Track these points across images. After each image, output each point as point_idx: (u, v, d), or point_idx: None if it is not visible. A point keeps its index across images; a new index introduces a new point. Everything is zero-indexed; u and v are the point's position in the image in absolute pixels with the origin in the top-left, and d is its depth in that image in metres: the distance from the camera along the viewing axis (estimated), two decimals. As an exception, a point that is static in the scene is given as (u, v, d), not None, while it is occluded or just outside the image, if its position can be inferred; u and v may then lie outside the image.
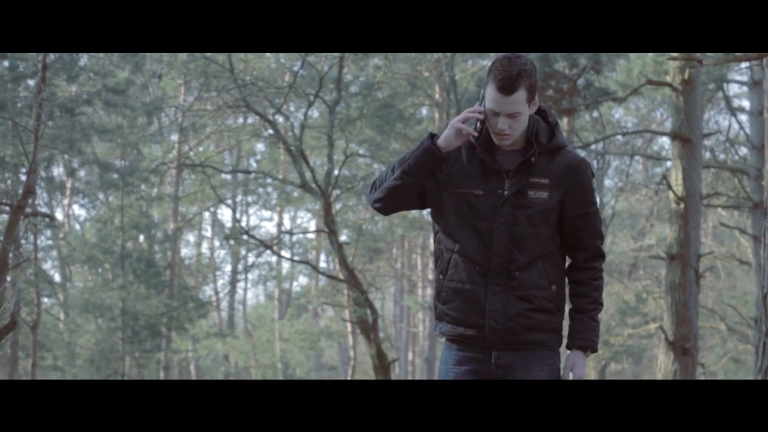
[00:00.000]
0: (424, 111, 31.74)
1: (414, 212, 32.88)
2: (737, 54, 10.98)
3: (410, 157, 4.90)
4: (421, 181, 4.92)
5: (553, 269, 4.99)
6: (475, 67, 29.14)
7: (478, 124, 4.87)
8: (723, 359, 33.17)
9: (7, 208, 11.80)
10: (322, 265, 44.09)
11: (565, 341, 5.06)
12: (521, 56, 4.82)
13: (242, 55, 22.95)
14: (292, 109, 31.65)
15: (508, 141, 4.89)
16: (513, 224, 4.88)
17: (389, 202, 4.99)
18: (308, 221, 44.23)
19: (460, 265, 4.93)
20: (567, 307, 5.08)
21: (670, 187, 16.00)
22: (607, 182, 33.51)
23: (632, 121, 35.46)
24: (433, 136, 4.89)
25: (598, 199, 5.20)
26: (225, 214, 47.40)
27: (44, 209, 32.05)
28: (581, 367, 5.02)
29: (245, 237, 29.43)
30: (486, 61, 28.84)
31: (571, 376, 5.00)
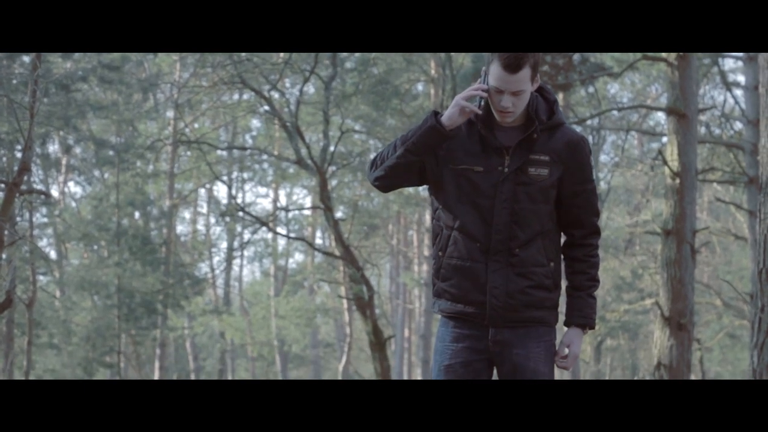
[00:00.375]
0: (419, 87, 31.70)
1: (410, 189, 32.87)
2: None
3: (413, 135, 4.90)
4: (423, 158, 4.92)
5: (551, 246, 5.02)
6: (470, 42, 29.07)
7: (482, 102, 4.88)
8: (719, 335, 33.26)
9: (2, 185, 11.78)
10: (318, 241, 44.13)
11: (561, 318, 5.08)
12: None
13: (237, 31, 22.88)
14: (287, 85, 31.59)
15: (511, 118, 4.90)
16: (513, 201, 4.90)
17: (390, 179, 4.98)
18: (304, 198, 44.25)
19: (460, 242, 4.94)
20: (563, 284, 5.10)
21: (665, 163, 16.01)
22: (603, 158, 33.54)
23: (628, 97, 35.48)
24: (436, 114, 4.89)
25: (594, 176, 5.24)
26: (221, 191, 47.52)
27: (40, 186, 32.03)
28: (578, 345, 5.06)
29: (241, 214, 29.43)
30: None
31: (566, 352, 5.03)
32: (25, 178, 12.43)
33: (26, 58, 21.97)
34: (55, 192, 37.13)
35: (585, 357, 35.64)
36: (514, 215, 4.90)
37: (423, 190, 33.01)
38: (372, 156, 5.18)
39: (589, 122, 24.20)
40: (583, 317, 5.06)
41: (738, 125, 25.45)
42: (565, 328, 5.11)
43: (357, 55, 25.69)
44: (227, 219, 35.01)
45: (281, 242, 44.21)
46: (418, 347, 37.85)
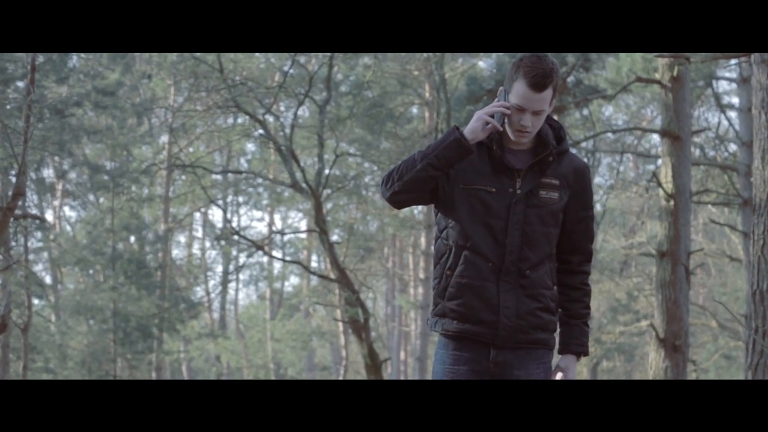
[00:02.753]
0: (414, 110, 31.73)
1: (405, 211, 32.88)
2: (725, 51, 10.99)
3: (436, 149, 4.88)
4: (444, 173, 4.91)
5: (553, 270, 5.06)
6: (465, 65, 29.15)
7: (505, 119, 4.89)
8: (714, 356, 33.23)
9: (-3, 210, 11.77)
10: (314, 264, 44.08)
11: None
12: (547, 56, 4.88)
13: (231, 55, 22.92)
14: (282, 108, 31.63)
15: (527, 139, 4.93)
16: (525, 223, 4.92)
17: (409, 194, 4.94)
18: (299, 221, 44.23)
19: (472, 261, 4.92)
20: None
21: (660, 185, 16.02)
22: (598, 180, 33.54)
23: (622, 119, 35.51)
24: (458, 128, 4.90)
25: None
26: (216, 215, 47.36)
27: (34, 211, 31.99)
28: (573, 371, 5.08)
29: (236, 237, 29.41)
30: (476, 60, 28.85)
31: (559, 376, 5.03)
32: (20, 203, 12.43)
33: (20, 84, 21.98)
34: (50, 217, 37.10)
35: (581, 379, 35.53)
36: (525, 237, 4.92)
37: (418, 213, 33.02)
38: (379, 174, 5.17)
39: (583, 144, 24.20)
40: (580, 345, 5.10)
41: (732, 147, 25.49)
42: (558, 355, 5.12)
43: (351, 78, 25.74)
44: (222, 243, 34.99)
45: (277, 265, 44.20)
46: (414, 370, 37.77)
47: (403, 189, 4.92)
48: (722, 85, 34.30)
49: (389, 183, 4.95)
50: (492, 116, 4.89)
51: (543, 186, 4.95)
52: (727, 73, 24.34)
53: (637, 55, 17.93)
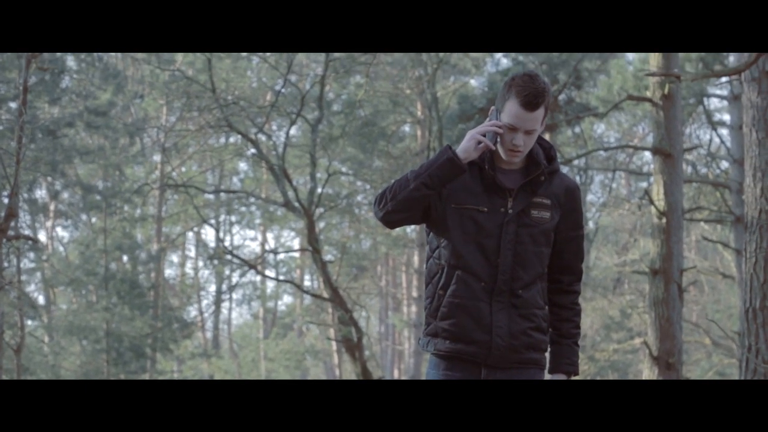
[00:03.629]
0: (406, 128, 31.78)
1: (398, 230, 32.88)
2: (715, 69, 11.03)
3: (429, 168, 4.88)
4: (437, 192, 4.92)
5: (545, 289, 5.09)
6: (456, 84, 29.22)
7: (499, 138, 4.90)
8: (708, 373, 33.19)
9: (-11, 231, 11.76)
10: (307, 283, 44.08)
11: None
12: (539, 75, 4.92)
13: (223, 74, 22.97)
14: (274, 128, 31.67)
15: (518, 158, 4.96)
16: (517, 243, 4.94)
17: (402, 214, 4.94)
18: (292, 240, 44.19)
19: (465, 281, 4.93)
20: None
21: (651, 202, 16.04)
22: (590, 197, 33.58)
23: (614, 137, 35.56)
24: (450, 147, 4.91)
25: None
26: (209, 234, 47.34)
27: (27, 232, 31.97)
28: None
29: (229, 257, 29.39)
30: (467, 78, 28.91)
31: None
32: (13, 223, 12.42)
33: (13, 104, 21.99)
34: (42, 237, 37.07)
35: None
36: (517, 257, 4.93)
37: (411, 232, 33.02)
38: (370, 194, 5.18)
39: (575, 162, 24.25)
40: (571, 365, 5.11)
41: (724, 164, 25.53)
42: (549, 375, 5.13)
43: (343, 97, 25.78)
44: (215, 262, 34.95)
45: (270, 285, 44.16)
46: (407, 389, 37.70)
47: (396, 209, 4.92)
48: (713, 103, 34.39)
49: (382, 203, 4.95)
50: (484, 135, 4.90)
51: (534, 206, 4.97)
52: (718, 91, 24.38)
53: (628, 73, 17.99)
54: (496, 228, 4.93)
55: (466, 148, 4.88)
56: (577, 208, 5.08)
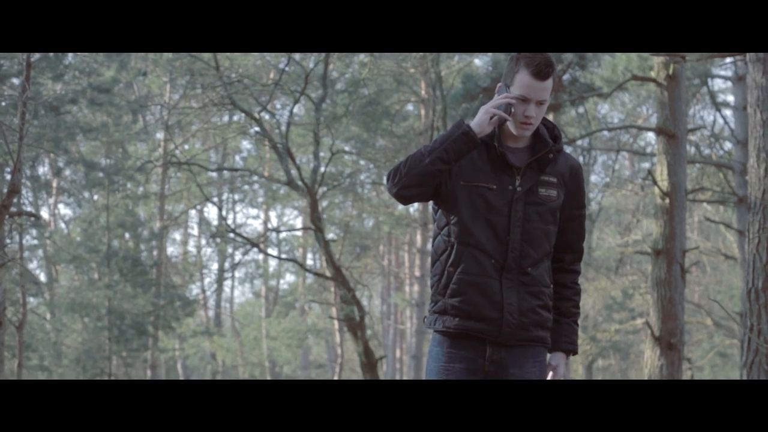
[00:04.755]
0: (410, 107, 31.73)
1: (401, 209, 32.90)
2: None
3: (444, 143, 4.91)
4: (452, 166, 4.93)
5: (550, 268, 5.12)
6: (461, 63, 29.14)
7: (513, 109, 4.91)
8: (709, 354, 33.23)
9: (-8, 207, 11.77)
10: (309, 262, 44.08)
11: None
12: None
13: (227, 53, 22.90)
14: (278, 106, 31.61)
15: (529, 131, 4.99)
16: (525, 220, 4.97)
17: (417, 188, 4.94)
18: (295, 219, 44.21)
19: (476, 258, 4.95)
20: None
21: (655, 183, 16.03)
22: (594, 178, 33.56)
23: (618, 117, 35.52)
24: (464, 121, 4.94)
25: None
26: (211, 212, 47.47)
27: (30, 208, 31.97)
28: (562, 369, 5.11)
29: (232, 235, 29.39)
30: (472, 57, 28.85)
31: (550, 376, 5.05)
32: (15, 200, 12.42)
33: (16, 81, 21.96)
34: (45, 214, 37.08)
35: (576, 377, 35.58)
36: (526, 234, 4.96)
37: (414, 211, 33.01)
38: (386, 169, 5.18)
39: (579, 142, 24.22)
40: (570, 343, 5.15)
41: (727, 145, 25.52)
42: (548, 354, 5.15)
43: (347, 76, 25.73)
44: (218, 240, 34.97)
45: (272, 263, 44.16)
46: (409, 368, 37.78)
47: (410, 183, 4.93)
48: (717, 84, 34.40)
49: (396, 178, 4.96)
50: (498, 108, 4.92)
51: (542, 183, 5.01)
52: (723, 72, 24.35)
53: (633, 54, 17.94)
54: (505, 205, 4.95)
55: (480, 122, 4.91)
56: (581, 186, 5.12)
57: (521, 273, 4.96)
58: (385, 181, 5.19)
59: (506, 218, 4.94)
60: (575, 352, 5.15)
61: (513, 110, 4.92)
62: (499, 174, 4.97)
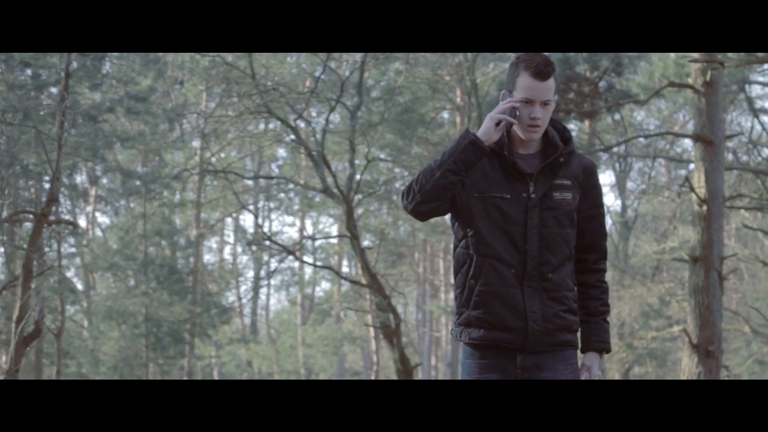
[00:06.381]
0: (445, 115, 31.74)
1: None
2: (759, 55, 10.94)
3: (452, 155, 4.90)
4: (462, 178, 4.92)
5: (572, 271, 5.10)
6: (496, 70, 29.13)
7: (518, 113, 4.91)
8: (747, 362, 33.06)
9: (31, 216, 11.85)
10: (345, 270, 44.11)
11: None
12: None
13: (263, 60, 22.98)
14: (313, 114, 31.71)
15: (538, 134, 4.96)
16: (542, 226, 4.95)
17: (432, 203, 4.93)
18: (330, 226, 44.31)
19: (496, 269, 4.94)
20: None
21: (692, 190, 15.97)
22: (630, 185, 33.47)
23: (654, 124, 35.37)
24: (469, 131, 4.93)
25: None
26: (247, 220, 47.54)
27: (67, 217, 32.14)
28: (597, 368, 5.12)
29: (267, 242, 29.44)
30: (506, 64, 28.82)
31: (585, 377, 5.06)
32: (53, 208, 12.50)
33: (54, 90, 22.11)
34: (82, 222, 37.30)
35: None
36: (543, 240, 4.94)
37: (449, 218, 32.99)
38: (400, 186, 5.19)
39: (615, 149, 24.17)
40: (601, 342, 5.12)
41: (765, 152, 25.37)
42: (581, 354, 5.14)
43: (383, 83, 25.76)
44: (254, 248, 35.09)
45: (308, 271, 44.28)
46: (444, 375, 37.79)
47: (424, 199, 4.93)
48: (755, 89, 34.11)
49: (410, 195, 4.95)
50: (503, 113, 4.92)
51: (556, 188, 4.99)
52: (761, 78, 24.23)
53: (669, 60, 17.88)
54: (521, 214, 4.94)
55: (486, 129, 4.90)
56: (596, 186, 5.10)
57: (542, 279, 4.95)
58: (399, 199, 5.18)
59: (522, 226, 4.93)
60: (608, 350, 5.13)
61: (518, 114, 4.92)
62: (512, 182, 4.96)
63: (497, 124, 4.90)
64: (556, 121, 5.09)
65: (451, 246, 30.46)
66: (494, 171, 4.98)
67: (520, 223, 4.93)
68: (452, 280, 32.99)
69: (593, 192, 5.08)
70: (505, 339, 4.94)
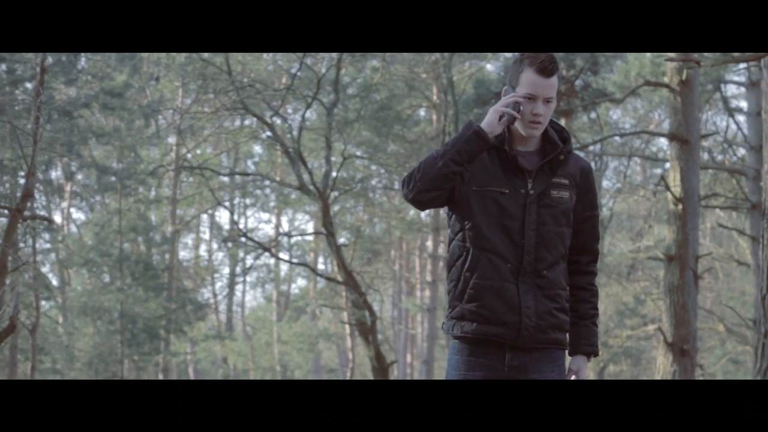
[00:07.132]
0: (421, 113, 31.73)
1: (412, 214, 32.89)
2: (735, 55, 10.98)
3: (456, 144, 4.91)
4: (465, 168, 4.93)
5: (566, 270, 5.12)
6: (472, 68, 29.15)
7: (521, 108, 4.92)
8: (722, 360, 33.19)
9: (6, 211, 11.79)
10: (321, 267, 44.08)
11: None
12: None
13: (240, 57, 22.91)
14: (289, 111, 31.61)
15: (539, 130, 4.99)
16: (539, 223, 4.97)
17: (432, 192, 4.93)
18: (306, 223, 44.23)
19: (492, 263, 4.95)
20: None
21: (668, 188, 16.01)
22: (606, 183, 33.46)
23: (630, 122, 35.45)
24: (473, 123, 4.96)
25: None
26: (223, 217, 47.51)
27: (43, 212, 32.02)
28: (584, 372, 5.14)
29: (243, 239, 29.43)
30: (484, 62, 28.85)
31: (573, 378, 5.06)
32: (28, 204, 12.44)
33: (29, 85, 22.01)
34: (57, 218, 37.13)
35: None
36: (540, 237, 4.96)
37: (425, 216, 33.00)
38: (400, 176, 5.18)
39: (591, 148, 24.16)
40: (590, 345, 5.15)
41: (741, 151, 25.46)
42: (569, 357, 5.14)
43: (359, 80, 25.74)
44: (229, 244, 35.01)
45: (284, 268, 44.20)
46: (420, 373, 37.79)
47: (425, 188, 4.93)
48: (731, 89, 34.18)
49: (411, 183, 4.95)
50: (506, 107, 4.93)
51: (554, 186, 5.02)
52: (736, 77, 24.30)
53: (646, 59, 17.93)
54: (519, 209, 4.96)
55: (490, 121, 4.92)
56: (592, 188, 5.13)
57: (537, 276, 4.96)
58: (400, 187, 5.18)
59: (520, 222, 4.95)
60: (596, 354, 5.15)
61: (521, 109, 4.93)
62: (511, 178, 4.98)
63: (500, 117, 4.92)
64: (554, 122, 5.13)
65: (428, 244, 30.46)
66: (494, 166, 5.00)
67: (517, 218, 4.95)
68: (428, 278, 33.11)
69: (589, 194, 5.11)
70: (498, 333, 4.94)
